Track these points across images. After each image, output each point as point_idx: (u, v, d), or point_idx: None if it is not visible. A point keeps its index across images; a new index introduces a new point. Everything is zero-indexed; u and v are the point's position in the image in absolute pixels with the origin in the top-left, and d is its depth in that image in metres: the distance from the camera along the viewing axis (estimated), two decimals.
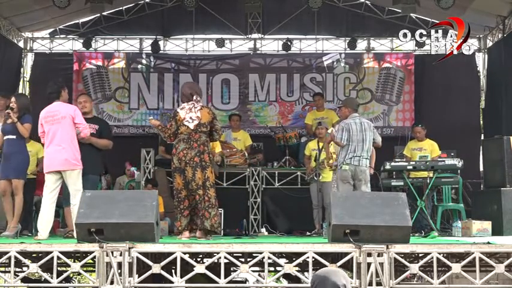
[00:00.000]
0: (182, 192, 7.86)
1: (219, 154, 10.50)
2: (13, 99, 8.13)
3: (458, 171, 9.79)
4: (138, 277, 6.13)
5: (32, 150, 8.88)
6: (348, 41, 13.97)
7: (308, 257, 6.17)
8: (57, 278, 6.16)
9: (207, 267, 6.16)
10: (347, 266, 6.55)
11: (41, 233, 7.49)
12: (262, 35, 14.24)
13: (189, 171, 7.76)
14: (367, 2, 13.83)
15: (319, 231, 9.78)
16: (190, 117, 7.86)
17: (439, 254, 6.19)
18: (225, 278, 6.15)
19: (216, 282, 6.13)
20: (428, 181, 9.43)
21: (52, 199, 7.61)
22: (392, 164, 9.56)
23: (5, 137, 7.99)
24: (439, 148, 10.43)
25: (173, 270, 6.36)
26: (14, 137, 7.92)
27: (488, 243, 6.47)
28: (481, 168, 11.81)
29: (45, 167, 7.70)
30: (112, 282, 6.00)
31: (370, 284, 6.01)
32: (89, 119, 8.39)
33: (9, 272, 6.24)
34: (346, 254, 6.15)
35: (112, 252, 6.03)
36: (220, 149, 10.64)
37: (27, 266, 6.34)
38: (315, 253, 6.19)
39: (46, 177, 7.69)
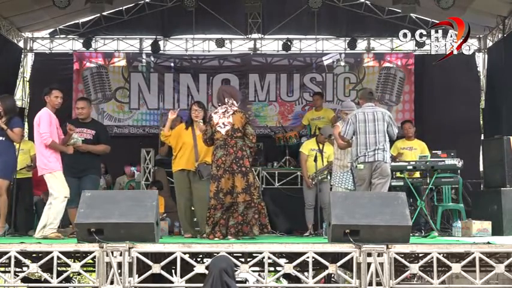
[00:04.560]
0: (211, 201, 7.62)
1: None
2: None
3: (458, 171, 9.77)
4: (138, 277, 6.13)
5: (24, 148, 8.91)
6: (348, 41, 13.97)
7: (308, 257, 6.17)
8: (57, 278, 6.16)
9: (207, 267, 6.16)
10: (347, 266, 6.56)
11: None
12: (262, 35, 14.24)
13: (227, 177, 7.54)
14: (367, 2, 13.82)
15: (311, 232, 9.74)
16: (223, 123, 7.70)
17: (439, 254, 6.19)
18: None
19: None
20: (428, 181, 9.41)
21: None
22: (392, 164, 9.53)
23: None
24: (436, 148, 10.38)
25: (173, 270, 6.37)
26: (3, 138, 8.06)
27: (488, 243, 6.47)
28: (481, 168, 11.79)
29: None
30: (112, 282, 6.01)
31: (370, 284, 6.01)
32: (87, 124, 8.55)
33: (9, 272, 6.25)
34: (346, 254, 6.16)
35: (112, 252, 6.03)
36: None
37: (27, 266, 6.34)
38: (315, 253, 6.19)
39: None
